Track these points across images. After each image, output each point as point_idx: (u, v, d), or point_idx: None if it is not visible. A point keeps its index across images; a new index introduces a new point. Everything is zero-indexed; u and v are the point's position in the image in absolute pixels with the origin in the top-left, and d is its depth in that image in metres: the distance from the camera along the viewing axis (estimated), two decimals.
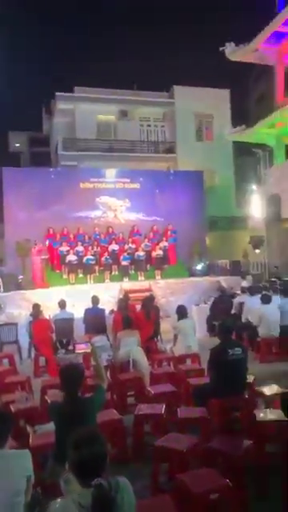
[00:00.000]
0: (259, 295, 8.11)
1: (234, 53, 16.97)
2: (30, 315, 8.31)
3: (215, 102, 21.49)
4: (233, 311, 9.24)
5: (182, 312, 6.72)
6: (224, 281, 13.17)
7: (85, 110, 20.66)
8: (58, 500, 2.46)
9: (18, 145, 30.02)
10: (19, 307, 11.41)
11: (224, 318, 6.57)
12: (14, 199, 14.86)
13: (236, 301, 9.43)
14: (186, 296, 12.63)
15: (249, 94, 29.70)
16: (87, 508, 1.70)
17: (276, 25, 15.29)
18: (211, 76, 29.49)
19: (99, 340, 6.09)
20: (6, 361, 7.47)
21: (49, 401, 4.70)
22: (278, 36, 15.89)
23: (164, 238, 15.10)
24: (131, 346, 5.89)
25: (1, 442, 2.46)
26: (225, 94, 22.18)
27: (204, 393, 4.55)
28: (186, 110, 21.37)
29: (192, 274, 14.79)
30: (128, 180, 16.55)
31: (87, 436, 1.86)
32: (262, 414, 3.88)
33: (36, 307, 8.24)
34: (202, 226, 17.14)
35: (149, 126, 22.35)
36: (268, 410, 4.15)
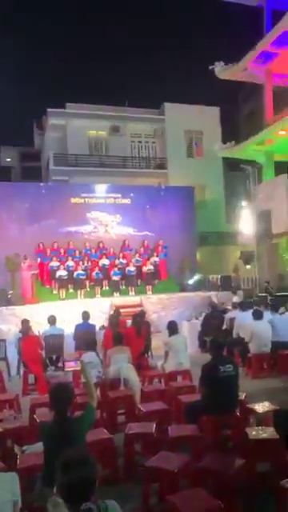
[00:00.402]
0: (251, 310, 8.11)
1: (223, 71, 17.31)
2: (20, 331, 8.19)
3: (205, 118, 21.84)
4: (224, 327, 9.21)
5: (172, 328, 6.67)
6: (215, 296, 13.18)
7: (76, 126, 20.83)
8: None
9: (9, 159, 30.11)
10: (8, 323, 11.26)
11: (215, 333, 6.56)
12: (5, 214, 14.82)
13: (227, 316, 9.42)
14: (177, 311, 12.61)
15: (239, 111, 30.25)
16: None
17: (264, 44, 15.66)
18: (201, 93, 30.09)
19: (89, 356, 5.99)
20: None
21: (37, 420, 4.61)
22: (266, 55, 16.26)
23: (155, 253, 15.12)
24: (122, 363, 5.82)
25: None
26: (215, 111, 22.56)
27: (195, 410, 4.50)
28: (176, 127, 21.67)
29: (183, 289, 14.78)
30: (119, 195, 16.62)
31: (76, 458, 1.82)
32: (254, 432, 3.84)
33: (25, 323, 8.13)
34: (192, 241, 17.22)
35: (140, 142, 22.59)
36: (260, 427, 4.11)
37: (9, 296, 12.51)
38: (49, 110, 20.91)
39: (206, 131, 22.14)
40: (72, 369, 3.68)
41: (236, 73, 17.36)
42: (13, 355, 8.52)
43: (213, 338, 4.82)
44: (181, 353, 6.48)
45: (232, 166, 22.43)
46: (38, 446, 3.50)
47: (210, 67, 17.34)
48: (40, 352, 7.69)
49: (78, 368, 3.54)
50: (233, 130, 25.00)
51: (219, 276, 15.86)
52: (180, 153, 21.95)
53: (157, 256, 15.04)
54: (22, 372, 7.93)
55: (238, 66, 16.92)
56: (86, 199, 16.16)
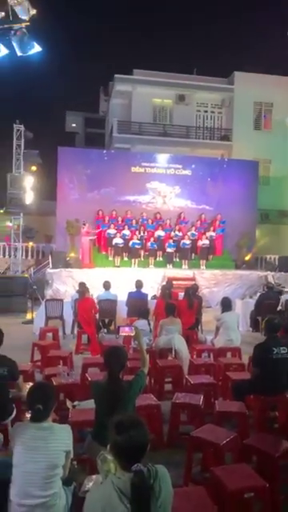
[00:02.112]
0: None
1: None
2: (77, 292, 8.50)
3: (277, 89, 20.57)
4: (279, 308, 8.97)
5: (226, 304, 6.59)
6: (271, 276, 12.79)
7: (142, 93, 20.53)
8: (94, 477, 2.53)
9: (74, 125, 30.49)
10: (65, 284, 11.74)
11: (270, 314, 6.38)
12: (67, 178, 15.15)
13: (283, 298, 9.14)
14: (230, 288, 12.44)
15: None
16: (126, 494, 1.71)
17: None
18: (275, 63, 28.25)
19: (141, 324, 6.11)
20: (50, 334, 7.73)
21: (89, 378, 4.82)
22: None
23: (212, 228, 14.83)
24: (173, 333, 5.88)
25: (46, 414, 2.54)
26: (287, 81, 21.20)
27: (244, 388, 4.48)
28: (245, 97, 20.68)
29: (238, 266, 14.48)
30: (180, 166, 16.31)
31: (131, 420, 1.86)
32: None
33: (82, 286, 8.42)
34: (252, 217, 16.64)
35: (206, 111, 21.87)
36: None
37: (67, 259, 12.95)
38: (116, 75, 20.72)
39: (277, 103, 20.92)
40: (126, 334, 3.75)
41: None
42: (68, 315, 8.92)
43: (268, 319, 4.69)
44: (232, 330, 6.41)
45: None
46: (89, 403, 3.66)
47: None
48: (94, 314, 7.95)
49: (132, 334, 3.60)
50: None
51: (277, 256, 15.35)
52: (247, 124, 21.01)
53: (213, 231, 14.75)
54: (76, 331, 8.30)
55: None
56: (147, 169, 16.04)
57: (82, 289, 8.10)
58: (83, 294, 7.98)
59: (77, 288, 9.77)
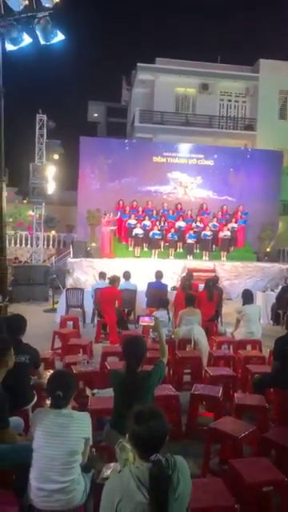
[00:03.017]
0: None
1: None
2: (108, 278, 8.41)
3: None
4: None
5: (248, 296, 6.51)
6: None
7: (165, 82, 20.31)
8: (112, 465, 2.55)
9: (96, 115, 30.45)
10: (86, 274, 11.85)
11: None
12: (89, 168, 15.18)
13: None
14: (251, 281, 12.30)
15: None
16: (144, 484, 1.71)
17: None
18: None
19: (161, 315, 6.10)
20: (70, 323, 7.82)
21: (108, 367, 4.86)
22: None
23: (233, 219, 14.63)
24: (193, 324, 5.85)
25: (66, 401, 2.57)
26: None
27: (264, 381, 4.44)
28: (270, 86, 20.21)
29: (260, 258, 14.28)
30: (202, 156, 16.10)
31: (150, 412, 1.86)
32: None
33: (103, 275, 8.52)
34: (275, 209, 16.32)
35: (229, 100, 21.49)
36: None
37: (88, 249, 13.05)
38: (139, 64, 20.53)
39: None
40: (145, 324, 3.74)
41: None
42: (89, 304, 9.00)
43: None
44: (253, 323, 6.34)
45: None
46: (108, 391, 3.69)
47: None
48: (115, 304, 8.00)
49: (152, 324, 3.59)
50: None
51: None
52: (272, 114, 20.56)
53: (235, 222, 14.55)
54: (96, 320, 8.37)
55: None
56: (168, 159, 15.91)
57: (114, 277, 8.13)
58: (113, 282, 7.99)
59: (97, 277, 9.84)
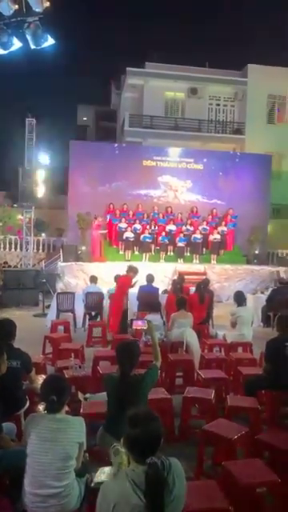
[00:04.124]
0: None
1: None
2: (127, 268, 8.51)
3: None
4: None
5: (240, 298, 6.53)
6: (283, 271, 12.70)
7: (154, 86, 20.42)
8: (106, 469, 2.55)
9: (85, 118, 30.48)
10: (76, 278, 11.80)
11: (282, 310, 6.34)
12: (79, 172, 15.15)
13: None
14: (241, 283, 12.38)
15: None
16: (140, 487, 1.71)
17: None
18: None
19: (153, 318, 6.12)
20: (61, 327, 7.78)
21: (100, 371, 4.85)
22: None
23: (223, 223, 14.74)
24: (185, 327, 5.87)
25: (60, 405, 2.56)
26: None
27: (256, 383, 4.47)
28: (259, 90, 20.45)
29: (249, 261, 14.39)
30: (192, 160, 16.20)
31: (145, 414, 1.87)
32: None
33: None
34: (264, 212, 16.48)
35: (218, 105, 21.68)
36: None
37: (78, 252, 13.00)
38: (128, 68, 20.62)
39: None
40: (139, 327, 3.75)
41: None
42: (79, 308, 8.97)
43: (281, 315, 4.66)
44: (245, 325, 6.38)
45: None
46: (101, 396, 3.69)
47: None
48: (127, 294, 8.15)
49: (145, 327, 3.60)
50: None
51: None
52: (260, 118, 20.80)
53: (225, 225, 14.66)
54: (87, 325, 8.34)
55: None
56: (158, 162, 15.98)
57: (130, 267, 8.36)
58: (130, 271, 8.21)
59: (88, 281, 9.82)
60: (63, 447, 2.45)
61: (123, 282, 7.97)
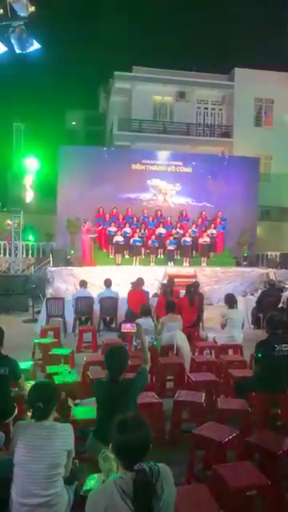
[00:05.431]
0: None
1: None
2: (132, 284, 8.58)
3: (277, 85, 20.58)
4: (280, 305, 8.95)
5: (231, 301, 6.54)
6: (273, 273, 12.77)
7: (142, 90, 20.48)
8: (95, 476, 2.52)
9: (74, 123, 30.42)
10: (66, 282, 11.72)
11: (271, 311, 6.36)
12: (68, 177, 15.10)
13: (285, 295, 9.12)
14: (231, 286, 12.41)
15: None
16: (128, 494, 1.69)
17: None
18: (275, 59, 28.04)
19: (144, 322, 6.08)
20: (51, 333, 7.71)
21: (90, 376, 4.80)
22: None
23: (213, 225, 14.80)
24: (175, 330, 5.86)
25: (47, 412, 2.52)
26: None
27: (246, 385, 4.47)
28: (246, 94, 20.63)
29: (239, 263, 14.46)
30: (180, 163, 16.27)
31: (134, 420, 1.85)
32: None
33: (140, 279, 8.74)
34: (253, 215, 16.60)
35: (206, 108, 21.81)
36: None
37: (68, 257, 12.94)
38: (116, 72, 20.66)
39: (278, 99, 20.93)
40: (127, 331, 3.73)
41: None
42: (69, 313, 8.90)
43: (270, 316, 4.68)
44: (235, 327, 6.39)
45: None
46: (90, 402, 3.65)
47: None
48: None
49: (134, 330, 3.57)
50: None
51: (278, 253, 15.33)
52: (247, 121, 20.97)
53: (214, 228, 14.72)
54: (77, 330, 8.28)
55: None
56: (147, 166, 16.00)
57: (138, 280, 8.38)
58: (138, 285, 8.21)
59: (77, 286, 9.78)
60: (51, 455, 2.41)
61: (135, 300, 7.89)
